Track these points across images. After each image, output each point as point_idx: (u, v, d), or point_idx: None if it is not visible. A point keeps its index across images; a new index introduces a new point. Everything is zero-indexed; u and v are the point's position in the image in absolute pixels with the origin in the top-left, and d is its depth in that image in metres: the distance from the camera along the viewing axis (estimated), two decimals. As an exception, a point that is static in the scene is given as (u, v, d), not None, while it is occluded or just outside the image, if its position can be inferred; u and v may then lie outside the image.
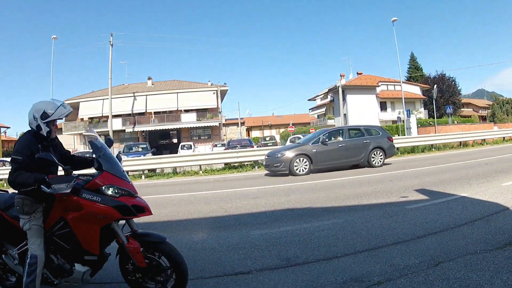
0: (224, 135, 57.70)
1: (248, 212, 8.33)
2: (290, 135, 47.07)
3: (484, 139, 25.94)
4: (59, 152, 4.09)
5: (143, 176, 18.90)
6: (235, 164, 20.36)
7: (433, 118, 35.17)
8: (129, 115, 48.95)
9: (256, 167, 19.14)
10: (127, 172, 19.05)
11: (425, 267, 4.34)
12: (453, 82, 62.73)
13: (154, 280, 3.79)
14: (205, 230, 7.11)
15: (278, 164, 15.11)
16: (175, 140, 54.51)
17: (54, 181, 3.42)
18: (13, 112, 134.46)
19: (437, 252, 4.82)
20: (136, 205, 3.68)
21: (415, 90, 59.24)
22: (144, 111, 49.33)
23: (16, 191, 3.69)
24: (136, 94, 49.81)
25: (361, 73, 62.00)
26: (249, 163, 20.08)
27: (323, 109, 65.10)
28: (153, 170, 20.31)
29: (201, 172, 18.99)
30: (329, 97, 60.87)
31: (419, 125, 34.36)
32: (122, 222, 3.88)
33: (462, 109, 67.42)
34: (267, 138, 46.09)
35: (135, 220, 3.94)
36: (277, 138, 54.50)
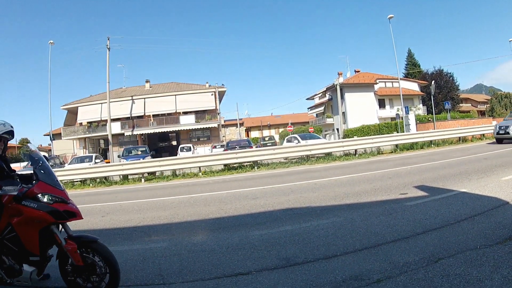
0: (223, 136, 57.70)
1: (247, 213, 8.32)
2: (289, 134, 47.16)
3: (483, 134, 25.89)
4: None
5: (142, 179, 18.80)
6: (234, 165, 20.28)
7: (432, 114, 35.21)
8: (127, 118, 49.04)
9: (256, 167, 19.16)
10: (127, 175, 19.23)
11: (425, 264, 4.32)
12: (451, 78, 62.74)
13: (89, 280, 4.11)
14: (204, 232, 7.10)
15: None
16: (174, 143, 54.75)
17: (4, 184, 4.05)
18: (11, 118, 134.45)
19: (437, 248, 4.81)
20: (67, 210, 4.11)
21: (413, 86, 59.17)
22: (142, 114, 49.35)
23: None
24: (134, 98, 49.96)
25: (358, 71, 62.03)
26: (248, 163, 20.06)
27: (322, 108, 65.12)
28: (153, 173, 20.18)
29: (200, 174, 18.92)
30: (327, 95, 60.83)
31: (417, 122, 34.39)
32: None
33: (460, 105, 67.48)
34: (266, 138, 45.93)
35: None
36: (276, 138, 54.51)
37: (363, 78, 57.56)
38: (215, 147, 36.94)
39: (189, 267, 5.02)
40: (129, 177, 19.71)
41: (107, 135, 39.09)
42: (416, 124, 31.66)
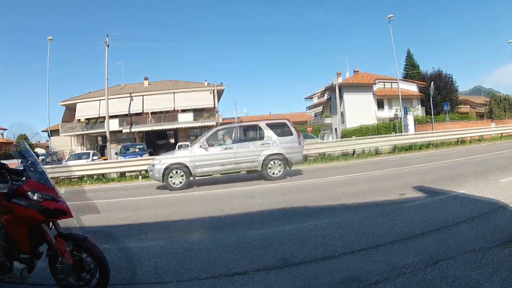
0: (222, 135, 56.92)
1: (245, 212, 8.30)
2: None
3: (482, 136, 25.98)
4: None
5: (140, 177, 18.75)
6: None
7: (430, 115, 35.18)
8: (126, 115, 48.58)
9: None
10: (125, 173, 19.24)
11: (424, 266, 4.29)
12: (450, 79, 62.61)
13: (80, 278, 4.15)
14: (201, 231, 7.07)
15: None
16: (172, 140, 54.20)
17: None
18: (9, 114, 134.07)
19: (436, 250, 4.77)
20: (57, 208, 4.06)
21: (412, 87, 59.24)
22: (141, 111, 49.01)
23: None
24: (132, 95, 49.35)
25: (357, 71, 61.81)
26: None
27: (320, 108, 64.90)
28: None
29: None
30: (326, 95, 60.78)
31: (416, 123, 34.32)
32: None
33: (459, 106, 67.39)
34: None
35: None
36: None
37: (362, 79, 57.45)
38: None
39: (186, 266, 4.98)
40: (126, 174, 19.63)
41: (105, 132, 38.82)
42: (414, 125, 31.60)
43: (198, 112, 49.37)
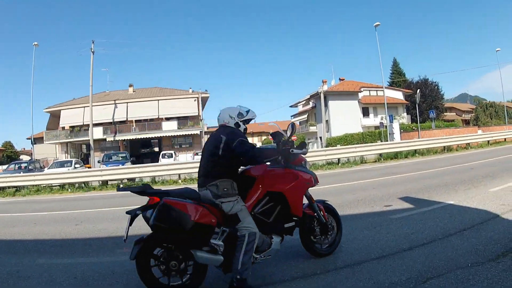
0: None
1: None
2: (271, 142, 47.03)
3: (469, 143, 26.18)
4: None
5: (120, 186, 18.35)
6: None
7: (416, 123, 35.18)
8: (110, 123, 48.70)
9: None
10: (106, 181, 19.39)
11: (413, 285, 4.05)
12: (436, 87, 63.52)
13: (326, 238, 5.26)
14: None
15: None
16: (156, 149, 54.61)
17: (293, 149, 4.62)
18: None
19: (425, 266, 4.53)
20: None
21: (397, 95, 59.78)
22: (125, 119, 49.10)
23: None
24: (117, 102, 49.64)
25: (343, 79, 62.33)
26: None
27: (305, 116, 65.09)
28: (133, 180, 19.94)
29: (180, 181, 18.70)
30: (311, 103, 60.89)
31: (401, 131, 34.33)
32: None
33: (445, 114, 68.32)
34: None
35: None
36: (259, 145, 54.31)
37: (348, 86, 57.77)
38: (197, 154, 36.80)
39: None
40: (108, 183, 19.51)
41: (89, 140, 38.67)
42: (400, 133, 31.57)
43: (182, 120, 49.70)
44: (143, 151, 53.76)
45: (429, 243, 5.51)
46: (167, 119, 49.67)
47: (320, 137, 53.68)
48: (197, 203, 4.10)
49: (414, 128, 38.90)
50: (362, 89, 56.65)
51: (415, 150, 23.01)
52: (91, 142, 38.67)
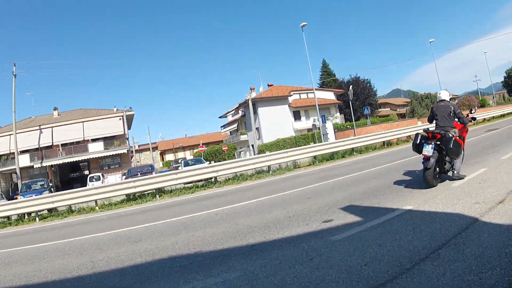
0: (138, 162, 55.05)
1: (118, 267, 6.34)
2: (202, 155, 45.49)
3: (409, 136, 25.04)
4: None
5: (37, 218, 16.99)
6: (136, 195, 18.16)
7: (351, 121, 34.12)
8: (36, 149, 46.85)
9: (157, 195, 17.29)
10: (24, 214, 18.13)
11: None
12: (368, 84, 64.24)
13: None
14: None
15: None
16: (86, 172, 53.26)
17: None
18: None
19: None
20: None
21: (329, 96, 59.87)
22: (51, 144, 47.20)
23: None
24: (42, 127, 47.63)
25: (272, 85, 61.85)
26: (150, 192, 18.09)
27: (235, 125, 64.88)
28: (52, 210, 18.01)
29: (97, 208, 17.00)
30: (240, 112, 60.11)
31: (336, 130, 33.06)
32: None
33: (379, 110, 69.43)
34: (180, 161, 44.65)
35: None
36: (190, 158, 52.66)
37: (277, 91, 57.30)
38: (125, 174, 34.85)
39: None
40: (25, 217, 18.10)
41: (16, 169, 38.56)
42: (334, 133, 30.11)
43: (108, 141, 48.65)
44: (72, 176, 52.20)
45: (392, 279, 3.64)
46: (93, 140, 48.42)
47: (252, 145, 52.44)
48: None
49: (348, 127, 38.15)
50: (292, 93, 56.45)
51: (353, 149, 21.72)
52: (18, 171, 37.54)
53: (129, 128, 50.66)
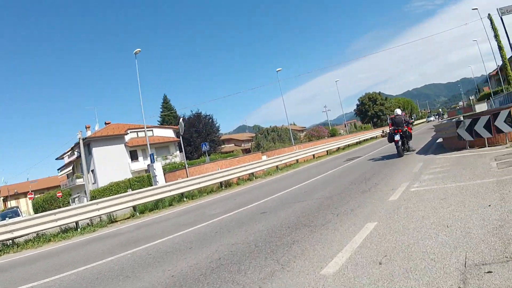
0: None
1: None
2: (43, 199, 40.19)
3: (253, 173, 22.61)
4: None
5: None
6: None
7: (194, 159, 30.44)
8: None
9: None
10: None
11: None
12: (210, 120, 61.16)
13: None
14: None
15: None
16: None
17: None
18: None
19: None
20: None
21: (168, 133, 56.98)
22: None
23: None
24: None
25: (109, 123, 57.30)
26: None
27: (70, 168, 59.65)
28: None
29: None
30: (76, 153, 53.83)
31: (166, 171, 28.79)
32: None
33: (223, 146, 66.92)
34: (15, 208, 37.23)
35: None
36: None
37: (113, 130, 53.12)
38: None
39: None
40: None
41: None
42: (164, 174, 25.67)
43: None
44: None
45: None
46: None
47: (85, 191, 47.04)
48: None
49: (181, 166, 34.21)
50: (128, 131, 52.35)
51: (182, 194, 17.97)
52: None
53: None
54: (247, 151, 68.77)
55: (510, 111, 12.54)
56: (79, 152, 51.59)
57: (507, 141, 12.89)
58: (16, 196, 76.93)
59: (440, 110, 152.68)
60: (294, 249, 5.32)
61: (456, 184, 7.72)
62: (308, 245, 5.39)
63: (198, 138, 55.68)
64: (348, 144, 39.36)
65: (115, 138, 50.97)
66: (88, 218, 15.28)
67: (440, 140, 19.67)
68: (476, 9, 41.33)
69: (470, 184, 7.38)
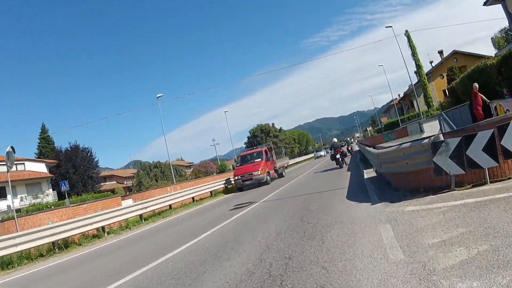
0: None
1: None
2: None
3: (103, 227, 16.92)
4: None
5: None
6: None
7: (68, 197, 26.11)
8: None
9: None
10: None
11: None
12: (89, 154, 56.13)
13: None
14: None
15: None
16: None
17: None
18: None
19: None
20: None
21: (41, 168, 50.46)
22: None
23: None
24: None
25: (-33, 153, 49.98)
26: None
27: None
28: None
29: None
30: None
31: (27, 213, 23.61)
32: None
33: (102, 184, 61.80)
34: None
35: None
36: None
37: None
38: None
39: None
40: None
41: None
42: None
43: None
44: None
45: None
46: None
47: None
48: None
49: (27, 212, 27.76)
50: (-9, 164, 45.66)
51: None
52: None
53: None
54: (130, 189, 63.92)
55: None
56: None
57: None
58: None
59: (349, 139, 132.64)
60: None
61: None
62: None
63: (75, 174, 50.98)
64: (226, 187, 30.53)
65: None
66: None
67: (370, 175, 15.50)
68: (391, 26, 41.55)
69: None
